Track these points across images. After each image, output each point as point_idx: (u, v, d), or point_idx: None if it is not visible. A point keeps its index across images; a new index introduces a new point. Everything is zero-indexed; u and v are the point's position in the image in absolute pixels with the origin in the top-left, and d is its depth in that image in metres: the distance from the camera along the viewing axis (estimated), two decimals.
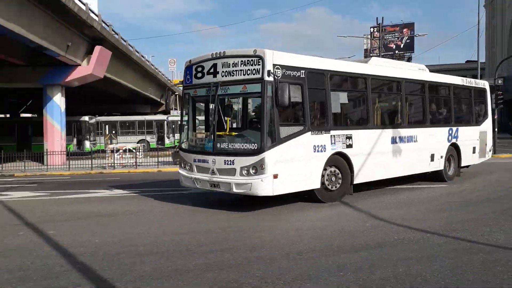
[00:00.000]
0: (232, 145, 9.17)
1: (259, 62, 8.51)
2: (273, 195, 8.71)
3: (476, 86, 15.15)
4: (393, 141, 11.40)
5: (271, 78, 8.41)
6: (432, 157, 12.59)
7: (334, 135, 9.71)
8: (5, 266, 5.79)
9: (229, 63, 8.95)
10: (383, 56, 51.47)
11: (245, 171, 8.57)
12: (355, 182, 10.28)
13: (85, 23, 22.04)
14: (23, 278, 5.30)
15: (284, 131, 8.75)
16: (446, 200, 10.63)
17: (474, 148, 14.40)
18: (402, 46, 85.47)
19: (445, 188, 12.21)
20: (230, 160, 8.84)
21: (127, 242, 7.00)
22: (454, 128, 13.52)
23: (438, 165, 12.87)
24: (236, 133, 10.08)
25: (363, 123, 11.21)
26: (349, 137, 10.10)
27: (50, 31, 20.36)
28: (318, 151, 9.34)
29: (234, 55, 9.03)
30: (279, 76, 8.51)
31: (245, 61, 8.74)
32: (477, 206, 9.77)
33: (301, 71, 9.11)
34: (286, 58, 9.02)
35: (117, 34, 28.01)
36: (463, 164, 14.07)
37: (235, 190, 8.77)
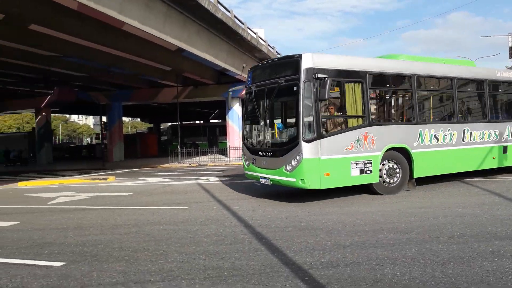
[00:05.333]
0: None
1: None
2: None
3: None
4: None
5: None
6: None
7: None
8: (204, 232, 6.31)
9: None
10: None
11: None
12: None
13: (256, 48, 23.21)
14: (218, 242, 5.70)
15: None
16: None
17: None
18: None
19: None
20: None
21: (292, 218, 7.07)
22: None
23: None
24: None
25: None
26: None
27: (231, 57, 21.96)
28: None
29: None
30: None
31: None
32: None
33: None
34: None
35: (279, 55, 28.91)
36: None
37: None
